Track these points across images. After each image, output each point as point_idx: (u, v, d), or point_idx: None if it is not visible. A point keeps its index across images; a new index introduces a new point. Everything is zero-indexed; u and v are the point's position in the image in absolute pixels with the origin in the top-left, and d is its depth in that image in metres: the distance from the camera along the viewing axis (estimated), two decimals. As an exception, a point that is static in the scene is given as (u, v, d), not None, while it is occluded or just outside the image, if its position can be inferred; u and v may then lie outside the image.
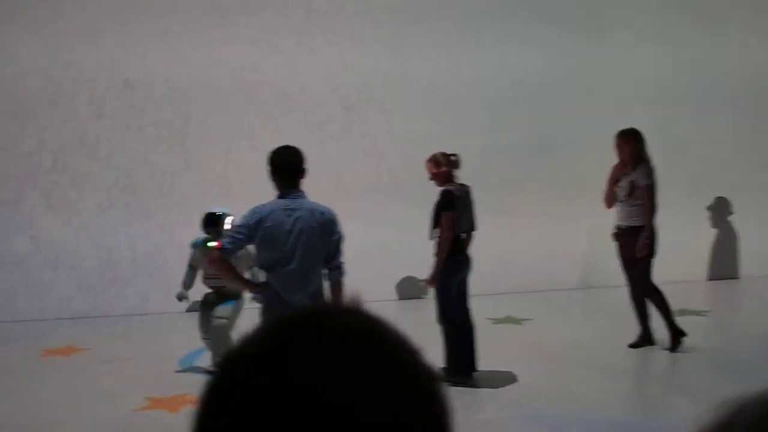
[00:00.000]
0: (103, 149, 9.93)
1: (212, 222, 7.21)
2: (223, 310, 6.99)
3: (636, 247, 7.48)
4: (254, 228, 4.77)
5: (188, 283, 7.43)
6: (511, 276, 10.28)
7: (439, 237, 6.78)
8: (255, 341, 0.79)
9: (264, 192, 9.55)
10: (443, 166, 6.87)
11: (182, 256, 9.92)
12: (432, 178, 6.91)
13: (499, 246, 9.77)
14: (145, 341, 8.75)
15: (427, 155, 7.06)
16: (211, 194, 9.96)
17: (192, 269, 7.44)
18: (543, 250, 10.51)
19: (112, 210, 9.94)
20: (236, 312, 6.99)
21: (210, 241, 6.99)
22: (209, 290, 7.24)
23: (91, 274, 9.91)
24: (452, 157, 6.94)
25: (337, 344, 0.76)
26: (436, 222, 6.82)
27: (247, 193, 9.88)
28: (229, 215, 7.16)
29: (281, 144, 9.76)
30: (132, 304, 9.88)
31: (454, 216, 6.73)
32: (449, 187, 6.83)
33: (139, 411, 6.24)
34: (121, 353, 8.09)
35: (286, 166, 4.94)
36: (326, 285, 5.04)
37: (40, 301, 9.86)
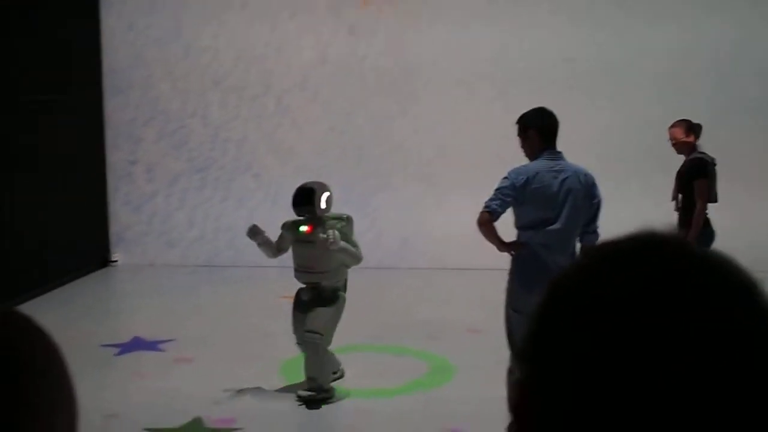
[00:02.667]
0: (324, 94, 10.25)
1: (304, 200, 5.67)
2: (317, 320, 5.62)
3: None
4: (521, 189, 4.73)
5: (268, 245, 5.85)
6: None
7: (680, 207, 6.59)
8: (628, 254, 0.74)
9: (483, 141, 9.59)
10: (691, 135, 6.67)
11: (396, 200, 10.19)
12: (675, 145, 6.71)
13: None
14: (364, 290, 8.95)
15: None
16: (426, 141, 10.10)
17: (276, 247, 5.88)
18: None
19: (328, 153, 10.27)
20: (334, 322, 5.71)
21: (302, 224, 5.69)
22: (302, 286, 5.82)
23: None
24: (697, 126, 6.74)
25: (710, 257, 0.74)
26: (683, 190, 6.61)
27: (463, 142, 10.00)
28: (326, 191, 5.74)
29: (498, 97, 9.61)
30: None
31: (708, 185, 6.53)
32: (701, 155, 6.61)
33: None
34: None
35: (548, 126, 4.87)
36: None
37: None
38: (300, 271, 5.73)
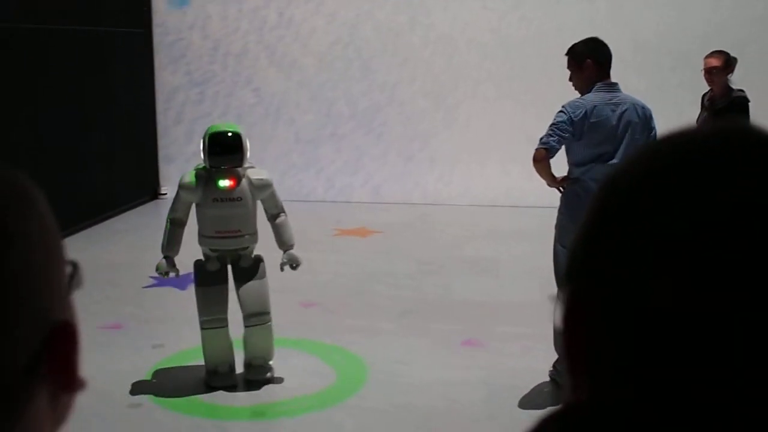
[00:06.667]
0: (329, 5, 9.91)
1: (232, 147, 4.49)
2: (259, 299, 4.65)
3: None
4: (579, 124, 4.54)
5: (172, 246, 4.65)
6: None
7: None
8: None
9: (496, 53, 9.34)
10: (729, 68, 6.08)
11: (402, 114, 10.01)
12: (709, 73, 6.13)
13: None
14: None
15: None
16: (436, 53, 9.84)
17: (175, 225, 4.66)
18: None
19: (334, 66, 10.00)
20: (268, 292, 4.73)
21: (223, 177, 4.50)
22: (211, 253, 4.65)
23: (309, 127, 10.12)
24: (734, 60, 6.11)
25: None
26: None
27: (475, 54, 9.75)
28: (245, 137, 4.56)
29: (516, 6, 9.25)
30: (348, 160, 10.05)
31: None
32: (743, 93, 6.08)
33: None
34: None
35: (605, 56, 4.68)
36: None
37: (262, 153, 10.17)
38: (219, 237, 4.55)
